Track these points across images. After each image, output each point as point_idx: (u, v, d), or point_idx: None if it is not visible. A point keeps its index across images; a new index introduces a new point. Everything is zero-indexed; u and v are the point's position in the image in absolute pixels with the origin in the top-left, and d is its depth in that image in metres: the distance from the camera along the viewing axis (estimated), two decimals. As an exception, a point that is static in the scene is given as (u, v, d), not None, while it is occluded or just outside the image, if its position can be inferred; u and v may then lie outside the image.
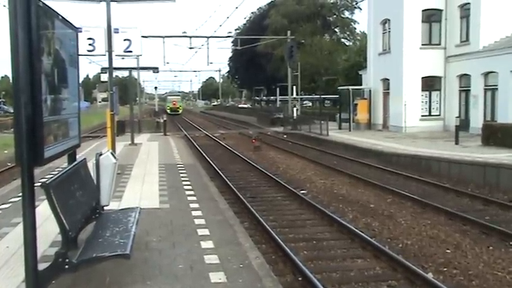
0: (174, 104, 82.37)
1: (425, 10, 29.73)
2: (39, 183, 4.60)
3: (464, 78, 28.50)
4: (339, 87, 39.23)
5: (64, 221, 4.78)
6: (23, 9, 4.06)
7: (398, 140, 24.59)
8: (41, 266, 4.73)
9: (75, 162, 6.24)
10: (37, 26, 4.22)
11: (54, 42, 5.01)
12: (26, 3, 4.10)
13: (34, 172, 4.34)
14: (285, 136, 34.58)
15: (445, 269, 8.00)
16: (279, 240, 9.02)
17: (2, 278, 5.70)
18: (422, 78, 29.86)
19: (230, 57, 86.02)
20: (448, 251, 8.93)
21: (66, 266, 4.83)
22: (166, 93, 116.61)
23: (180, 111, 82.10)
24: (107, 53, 13.76)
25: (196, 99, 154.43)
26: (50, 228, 6.68)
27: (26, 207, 4.23)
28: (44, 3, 4.51)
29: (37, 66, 4.25)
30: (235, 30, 75.24)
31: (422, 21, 29.78)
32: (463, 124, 25.55)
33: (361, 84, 36.99)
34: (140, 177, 13.44)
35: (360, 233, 9.66)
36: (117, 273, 5.81)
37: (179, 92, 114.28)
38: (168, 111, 77.42)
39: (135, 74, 37.63)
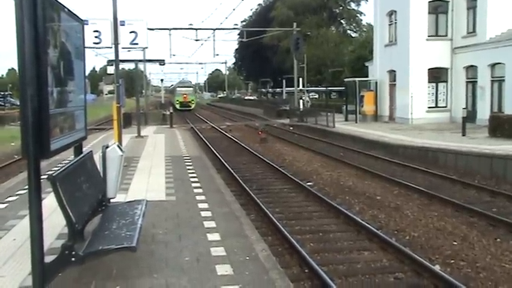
0: (185, 98, 66.78)
1: (432, 1, 29.54)
2: (46, 176, 4.60)
3: (471, 69, 28.32)
4: (345, 79, 39.05)
5: (70, 214, 4.79)
6: (29, 2, 4.05)
7: (404, 132, 24.50)
8: (48, 259, 4.75)
9: (82, 155, 6.25)
10: (43, 18, 4.20)
11: (60, 34, 4.99)
12: (32, -4, 4.08)
13: (41, 164, 4.34)
14: (291, 128, 34.54)
15: (452, 261, 7.98)
16: (286, 232, 9.03)
17: (9, 270, 5.73)
18: (429, 69, 29.71)
19: (236, 49, 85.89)
20: (455, 243, 8.91)
21: (73, 259, 4.84)
22: (172, 85, 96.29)
23: (193, 106, 67.20)
24: (113, 46, 13.75)
25: (203, 92, 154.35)
26: (56, 221, 6.70)
27: (32, 199, 4.23)
28: (49, -5, 4.49)
29: (43, 59, 4.23)
30: (242, 22, 75.12)
31: (429, 13, 29.59)
32: (470, 115, 25.42)
33: (367, 76, 36.83)
34: (146, 170, 13.46)
35: (367, 225, 9.65)
36: (123, 266, 5.82)
37: (190, 82, 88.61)
38: (177, 106, 65.06)
39: (141, 66, 37.62)
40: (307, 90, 51.94)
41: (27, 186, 4.29)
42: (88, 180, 5.99)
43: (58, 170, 5.01)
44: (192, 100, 68.26)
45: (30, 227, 4.30)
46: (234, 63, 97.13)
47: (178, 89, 70.94)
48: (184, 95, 67.16)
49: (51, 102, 4.49)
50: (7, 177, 14.38)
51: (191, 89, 72.62)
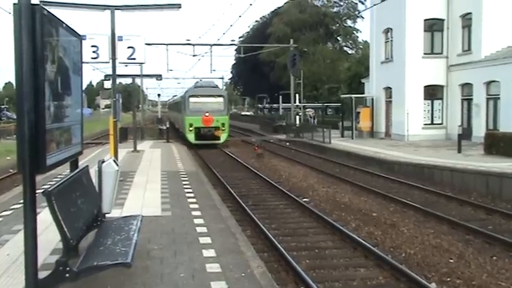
0: (208, 121, 32.33)
1: (427, 19, 29.78)
2: (41, 191, 4.59)
3: (467, 87, 28.48)
4: (342, 95, 39.19)
5: (65, 229, 4.76)
6: (28, 17, 4.07)
7: (400, 149, 24.54)
8: (42, 274, 4.71)
9: (77, 170, 6.23)
10: (41, 33, 4.23)
11: (58, 49, 5.02)
12: (31, 11, 4.11)
13: (36, 178, 4.32)
14: (287, 144, 34.56)
15: (449, 279, 7.95)
16: (281, 249, 8.99)
17: (2, 286, 5.67)
18: (425, 87, 29.86)
19: (233, 65, 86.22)
20: (451, 260, 8.88)
21: (67, 275, 4.80)
22: (175, 96, 61.92)
23: (223, 138, 32.92)
24: (111, 61, 13.78)
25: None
26: (51, 236, 6.66)
27: (27, 214, 4.22)
28: (48, 11, 4.52)
29: (40, 74, 4.25)
30: (239, 38, 75.53)
31: (425, 31, 29.84)
32: (466, 133, 25.48)
33: (363, 93, 37.02)
34: (142, 185, 13.42)
35: (363, 241, 9.62)
36: (118, 282, 5.78)
37: (217, 86, 39.13)
38: (190, 136, 32.40)
39: (138, 81, 37.63)
40: (303, 106, 52.03)
41: (21, 201, 4.27)
42: (83, 195, 5.97)
43: (53, 184, 4.99)
44: (223, 124, 32.52)
45: (24, 242, 4.27)
46: (231, 79, 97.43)
47: (192, 100, 33.32)
48: (206, 114, 32.09)
49: (47, 117, 4.50)
50: (1, 191, 14.30)
51: (221, 99, 33.73)
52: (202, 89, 34.28)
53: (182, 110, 34.51)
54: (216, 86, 37.11)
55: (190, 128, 31.92)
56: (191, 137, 31.90)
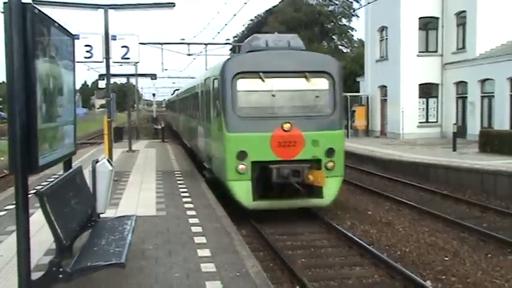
0: (289, 143, 10.63)
1: (422, 18, 29.85)
2: (34, 191, 4.55)
3: (461, 85, 28.56)
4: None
5: (58, 230, 4.72)
6: (18, 16, 4.03)
7: (396, 147, 24.57)
8: (35, 275, 4.68)
9: (71, 170, 6.19)
10: (32, 32, 4.18)
11: (50, 49, 4.97)
12: (21, 10, 4.07)
13: (29, 179, 4.29)
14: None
15: (444, 277, 7.96)
16: (276, 248, 8.98)
17: (-4, 287, 5.64)
18: (420, 85, 29.94)
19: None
20: (446, 258, 8.90)
21: (60, 276, 4.76)
22: (177, 90, 37.61)
23: (331, 194, 11.09)
24: (105, 60, 13.73)
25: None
26: (44, 237, 6.61)
27: (19, 215, 4.18)
28: (39, 10, 4.48)
29: (32, 73, 4.21)
30: (234, 37, 75.46)
31: (419, 29, 29.92)
32: (460, 131, 25.57)
33: (358, 91, 37.05)
34: (137, 184, 13.37)
35: (358, 240, 9.63)
36: (112, 282, 5.75)
37: (304, 49, 12.10)
38: (239, 188, 10.80)
39: (133, 80, 37.50)
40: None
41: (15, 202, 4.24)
42: (77, 196, 5.93)
43: (46, 185, 4.96)
44: (331, 152, 10.98)
45: (17, 243, 4.24)
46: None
47: (243, 85, 10.98)
48: (285, 127, 10.69)
49: (39, 117, 4.46)
50: (-4, 192, 14.24)
51: (324, 83, 11.29)
52: (269, 55, 11.68)
53: (210, 113, 13.18)
54: (303, 49, 12.34)
55: (242, 165, 10.94)
56: (243, 188, 11.03)
